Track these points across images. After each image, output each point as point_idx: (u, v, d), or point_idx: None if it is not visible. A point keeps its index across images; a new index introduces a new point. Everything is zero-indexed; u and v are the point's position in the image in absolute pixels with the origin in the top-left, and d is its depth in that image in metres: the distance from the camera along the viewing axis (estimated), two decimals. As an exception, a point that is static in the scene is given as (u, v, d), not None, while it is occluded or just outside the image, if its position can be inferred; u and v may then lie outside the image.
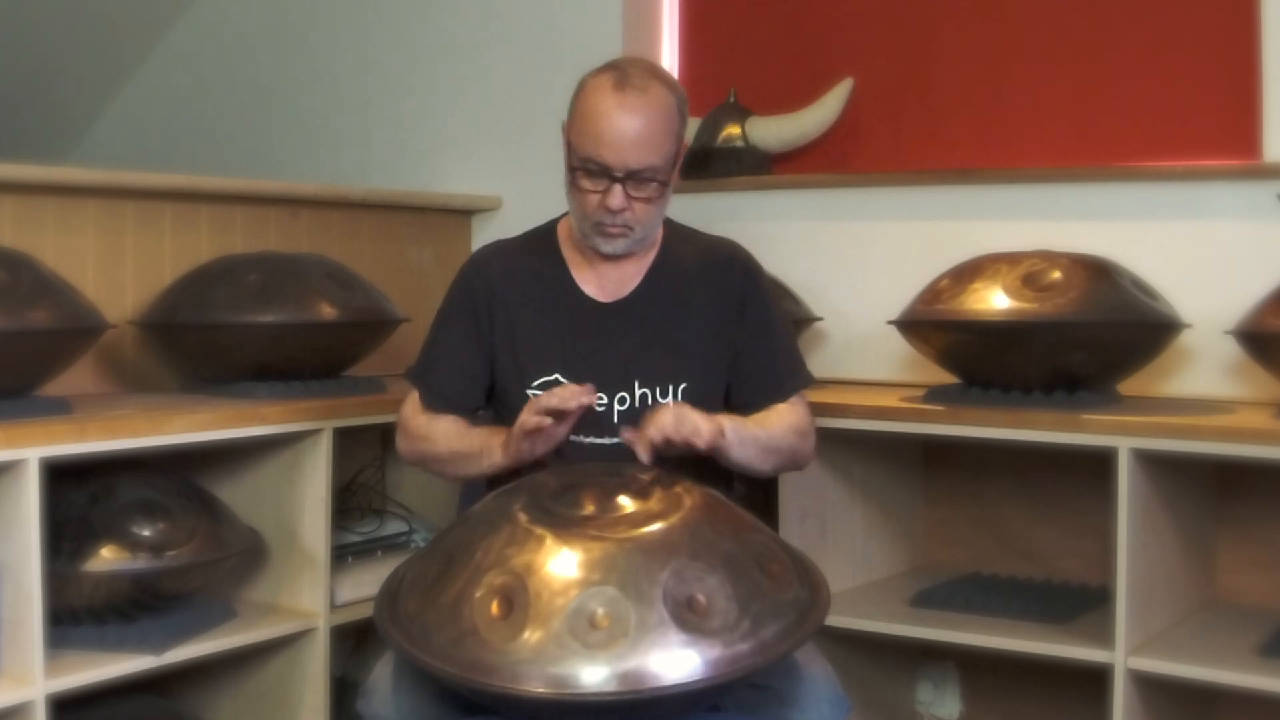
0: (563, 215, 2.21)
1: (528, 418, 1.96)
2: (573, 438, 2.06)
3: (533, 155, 3.29)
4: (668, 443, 1.94)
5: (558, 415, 1.96)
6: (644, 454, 1.93)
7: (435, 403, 2.16)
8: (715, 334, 2.16)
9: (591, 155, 2.02)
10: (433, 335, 2.21)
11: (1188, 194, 2.68)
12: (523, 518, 1.77)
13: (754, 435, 2.06)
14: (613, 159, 2.01)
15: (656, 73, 2.08)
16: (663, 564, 1.69)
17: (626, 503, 1.80)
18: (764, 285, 2.22)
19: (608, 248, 2.10)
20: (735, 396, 2.19)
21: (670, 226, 2.21)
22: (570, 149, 2.06)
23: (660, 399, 2.10)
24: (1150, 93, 2.80)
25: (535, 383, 2.09)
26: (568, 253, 2.18)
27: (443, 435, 2.13)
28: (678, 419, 1.95)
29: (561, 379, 2.08)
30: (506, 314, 2.14)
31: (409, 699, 1.84)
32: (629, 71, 2.04)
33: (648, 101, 2.02)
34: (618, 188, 2.02)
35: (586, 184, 2.04)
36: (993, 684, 2.86)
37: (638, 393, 2.10)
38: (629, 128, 2.00)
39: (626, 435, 1.97)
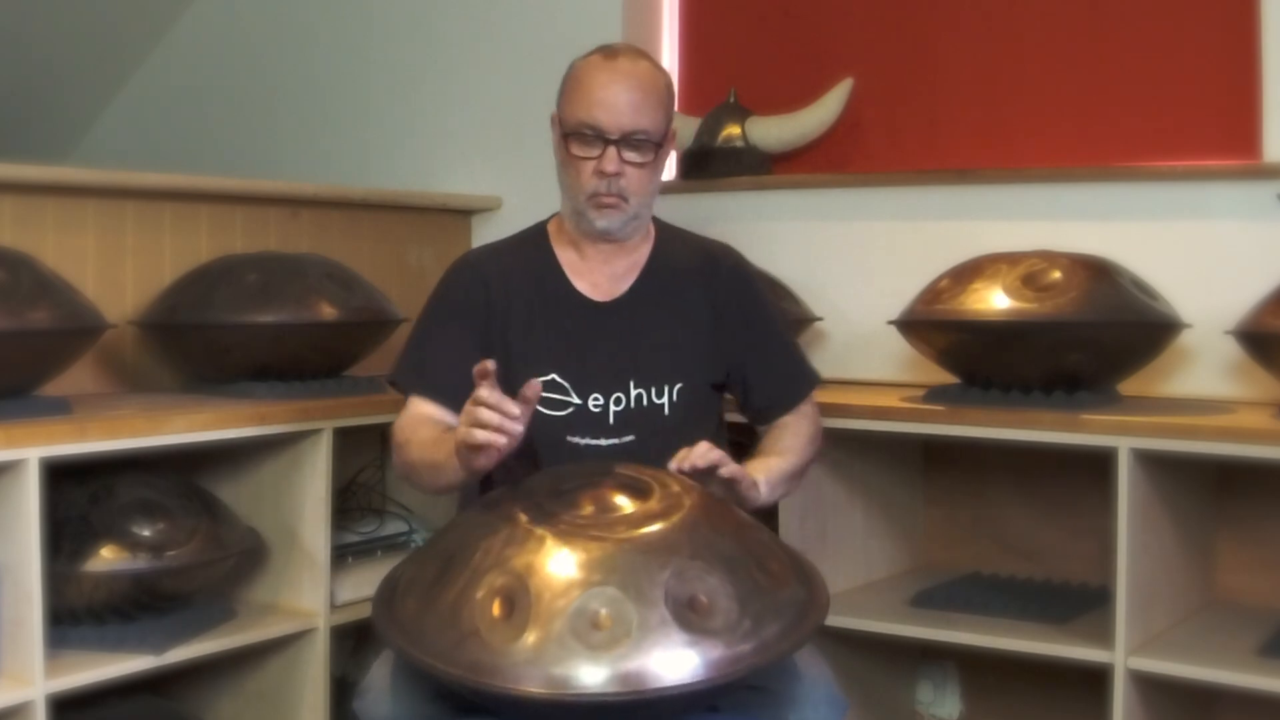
0: (551, 217, 2.21)
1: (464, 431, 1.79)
2: (569, 438, 2.06)
3: (533, 155, 3.25)
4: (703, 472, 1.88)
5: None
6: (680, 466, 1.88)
7: (431, 394, 2.06)
8: (708, 335, 2.15)
9: (585, 120, 2.03)
10: (424, 334, 2.14)
11: (1188, 194, 2.68)
12: (522, 518, 1.77)
13: (783, 473, 2.07)
14: (607, 120, 2.02)
15: (645, 54, 2.13)
16: (663, 564, 1.69)
17: (625, 503, 1.79)
18: (759, 288, 2.22)
19: (602, 222, 2.07)
20: (749, 405, 2.19)
21: (661, 226, 2.20)
22: (560, 124, 2.08)
23: (656, 399, 2.09)
24: (1150, 93, 2.80)
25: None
26: (560, 251, 2.16)
27: (419, 444, 1.99)
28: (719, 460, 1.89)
29: (558, 379, 2.07)
30: (502, 312, 2.11)
31: (405, 699, 1.84)
32: (618, 47, 2.11)
33: (638, 69, 2.07)
34: (612, 150, 2.03)
35: (579, 151, 2.04)
36: (993, 684, 2.86)
37: (633, 392, 2.09)
38: (622, 89, 2.04)
39: (677, 467, 1.88)
